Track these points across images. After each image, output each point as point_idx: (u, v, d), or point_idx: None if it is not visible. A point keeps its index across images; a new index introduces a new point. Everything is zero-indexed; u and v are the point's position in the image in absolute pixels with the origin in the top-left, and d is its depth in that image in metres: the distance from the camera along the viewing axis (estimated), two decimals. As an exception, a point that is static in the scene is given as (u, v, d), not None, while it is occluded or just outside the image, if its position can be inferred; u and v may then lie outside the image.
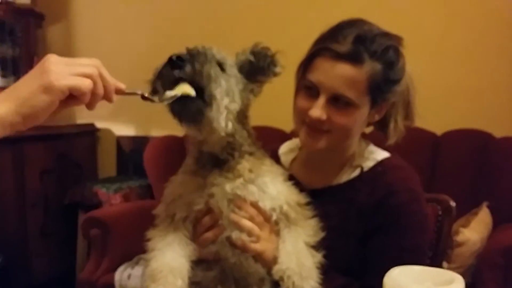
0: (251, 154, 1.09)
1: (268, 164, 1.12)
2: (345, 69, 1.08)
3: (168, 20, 3.61)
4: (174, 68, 0.94)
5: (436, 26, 3.00)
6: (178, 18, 3.57)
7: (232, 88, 1.02)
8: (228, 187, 1.04)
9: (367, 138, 1.30)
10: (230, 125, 1.02)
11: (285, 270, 1.02)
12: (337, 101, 1.11)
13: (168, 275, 0.99)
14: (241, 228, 1.05)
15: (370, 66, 1.09)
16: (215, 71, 0.97)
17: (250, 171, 1.06)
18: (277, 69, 1.05)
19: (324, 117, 1.11)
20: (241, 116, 1.07)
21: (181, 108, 0.96)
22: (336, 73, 1.09)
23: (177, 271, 1.01)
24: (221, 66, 1.01)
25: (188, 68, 0.94)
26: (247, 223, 1.05)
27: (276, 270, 1.03)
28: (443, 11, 2.99)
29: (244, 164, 1.06)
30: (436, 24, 3.00)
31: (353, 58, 1.08)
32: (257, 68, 1.04)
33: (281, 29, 3.14)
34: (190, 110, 0.96)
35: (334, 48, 1.09)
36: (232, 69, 1.04)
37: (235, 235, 1.05)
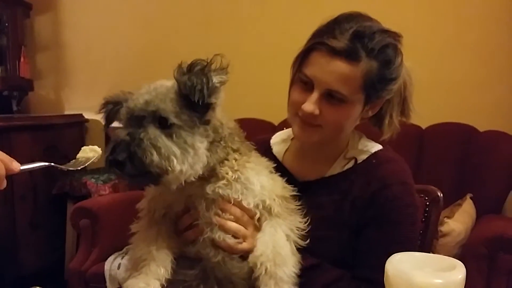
0: (235, 150, 1.07)
1: (253, 160, 1.10)
2: (340, 66, 1.06)
3: (157, 12, 3.58)
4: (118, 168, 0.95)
5: (422, 22, 3.02)
6: (167, 9, 3.55)
7: (184, 139, 0.95)
8: (208, 188, 1.03)
9: (359, 130, 1.29)
10: (199, 168, 0.98)
11: (259, 257, 1.01)
12: (331, 96, 1.09)
13: (150, 263, 1.00)
14: (227, 231, 1.04)
15: (366, 64, 1.06)
16: (156, 144, 0.92)
17: (234, 170, 1.04)
18: (214, 100, 0.96)
19: (316, 112, 1.10)
20: (215, 140, 1.02)
21: (142, 183, 1.00)
22: (331, 69, 1.07)
23: (159, 261, 1.01)
24: (164, 121, 0.95)
25: (131, 168, 0.94)
26: (232, 225, 1.04)
27: (251, 257, 1.03)
28: (430, 7, 3.02)
29: (227, 165, 1.04)
30: (422, 19, 3.02)
31: (349, 55, 1.05)
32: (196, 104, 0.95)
33: (273, 23, 3.15)
34: (150, 183, 0.99)
35: (330, 44, 1.06)
36: (180, 116, 0.95)
37: (218, 237, 1.04)
